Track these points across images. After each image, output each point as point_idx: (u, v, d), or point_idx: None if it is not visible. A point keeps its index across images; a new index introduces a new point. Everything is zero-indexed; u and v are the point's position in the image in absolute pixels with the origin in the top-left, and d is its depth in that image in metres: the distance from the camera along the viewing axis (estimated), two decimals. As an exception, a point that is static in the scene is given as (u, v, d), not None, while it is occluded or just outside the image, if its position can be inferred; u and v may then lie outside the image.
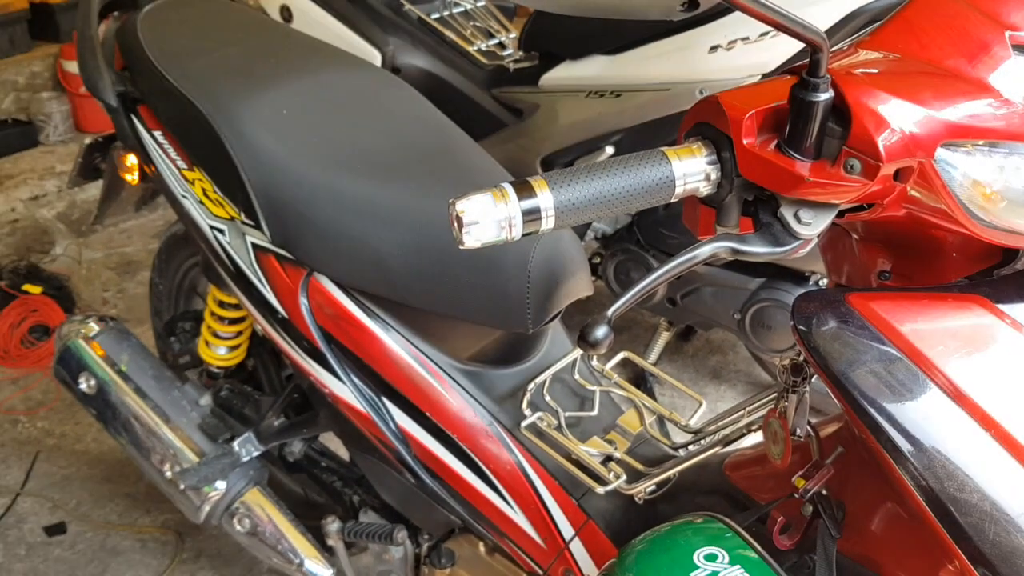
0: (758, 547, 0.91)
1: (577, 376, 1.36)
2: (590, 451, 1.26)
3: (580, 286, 1.29)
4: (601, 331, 0.73)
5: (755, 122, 0.71)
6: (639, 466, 1.24)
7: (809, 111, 0.68)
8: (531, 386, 1.30)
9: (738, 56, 1.99)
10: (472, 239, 0.69)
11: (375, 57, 2.48)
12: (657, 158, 0.71)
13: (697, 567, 0.89)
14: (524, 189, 0.69)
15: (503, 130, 2.55)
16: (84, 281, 2.99)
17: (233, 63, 1.47)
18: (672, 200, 0.73)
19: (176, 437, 1.60)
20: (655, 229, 2.32)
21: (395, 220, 1.26)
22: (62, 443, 2.30)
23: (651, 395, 2.49)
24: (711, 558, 0.90)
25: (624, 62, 2.20)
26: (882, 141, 0.67)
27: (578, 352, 1.37)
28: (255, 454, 1.56)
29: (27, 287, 2.71)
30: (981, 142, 0.71)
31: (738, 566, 0.89)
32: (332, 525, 1.48)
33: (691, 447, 1.26)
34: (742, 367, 2.70)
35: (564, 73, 2.37)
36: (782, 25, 0.66)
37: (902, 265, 0.87)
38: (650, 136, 2.15)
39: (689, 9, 0.60)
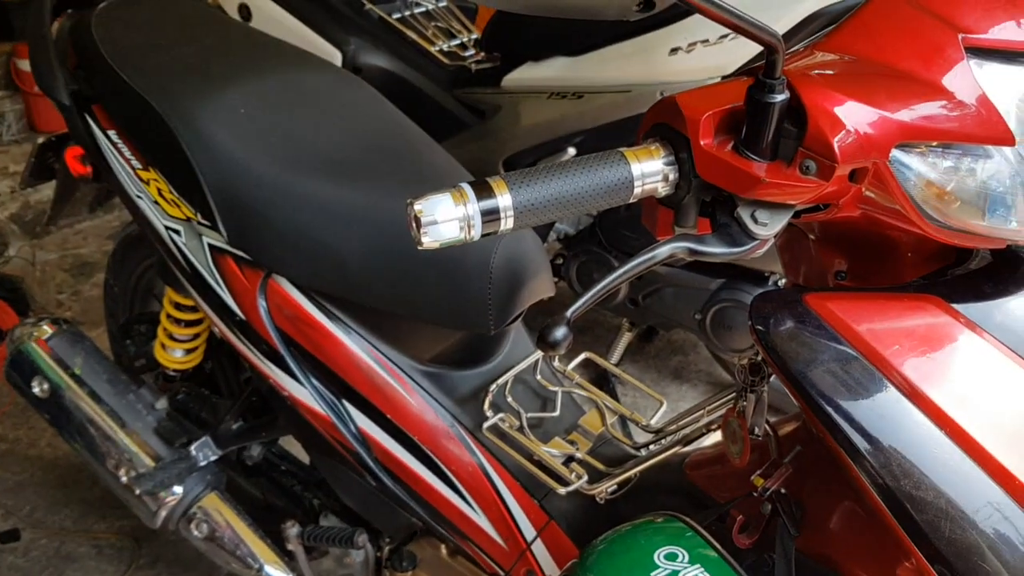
0: (718, 546, 0.92)
1: (539, 377, 1.36)
2: (552, 452, 1.25)
3: (542, 287, 1.29)
4: (560, 332, 0.73)
5: (712, 123, 0.71)
6: (600, 466, 1.24)
7: (765, 112, 0.69)
8: (493, 387, 1.30)
9: (698, 58, 2.00)
10: (430, 239, 0.68)
11: (336, 57, 2.46)
12: (616, 159, 0.71)
13: (658, 566, 0.90)
14: (483, 189, 0.69)
15: (465, 131, 2.55)
16: (38, 283, 2.94)
17: (190, 61, 1.45)
18: (631, 201, 0.73)
19: (131, 442, 1.57)
20: (617, 230, 2.33)
21: (355, 220, 1.24)
22: (15, 448, 2.25)
23: (614, 395, 2.50)
24: (671, 557, 0.91)
25: (585, 64, 2.21)
26: (837, 142, 0.68)
27: (540, 353, 1.37)
28: (212, 458, 1.54)
29: (-22, 289, 2.65)
30: (935, 143, 0.72)
31: (698, 565, 0.90)
32: (292, 529, 1.46)
33: (652, 447, 1.26)
34: (703, 367, 2.72)
35: (526, 74, 2.38)
36: (738, 26, 0.66)
37: (858, 265, 0.87)
38: (612, 137, 2.15)
39: (645, 10, 0.60)
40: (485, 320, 1.22)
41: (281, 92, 1.42)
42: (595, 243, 2.36)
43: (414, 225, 0.68)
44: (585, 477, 1.21)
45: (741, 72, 0.74)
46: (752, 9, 1.94)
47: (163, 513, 1.55)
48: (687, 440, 1.15)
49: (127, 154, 1.44)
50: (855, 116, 0.69)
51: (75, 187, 1.79)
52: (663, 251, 0.73)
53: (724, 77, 0.79)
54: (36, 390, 1.62)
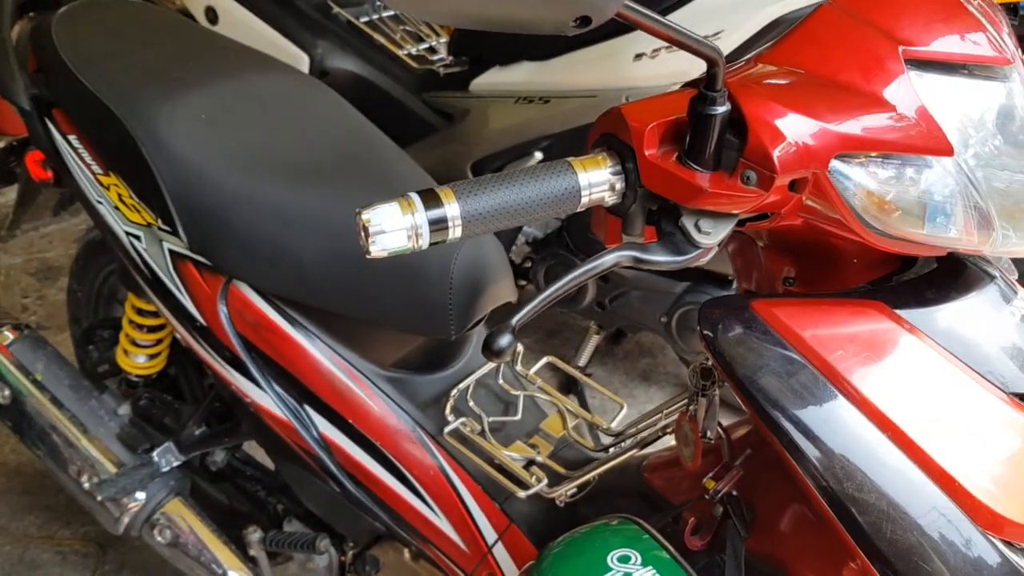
0: (670, 548, 0.93)
1: (501, 381, 1.37)
2: (513, 455, 1.26)
3: (503, 292, 1.30)
4: (505, 339, 0.74)
5: (657, 134, 0.72)
6: (561, 469, 1.25)
7: (707, 124, 0.70)
8: (454, 392, 1.30)
9: (661, 64, 2.02)
10: (378, 248, 0.69)
11: (303, 60, 2.45)
12: (563, 168, 0.73)
13: (610, 568, 0.91)
14: (431, 199, 0.69)
15: (434, 135, 2.55)
16: (3, 287, 2.91)
17: (151, 66, 1.44)
18: (579, 210, 0.74)
19: (94, 448, 1.56)
20: (584, 234, 2.34)
21: (315, 226, 1.25)
22: (-23, 455, 2.23)
23: (582, 398, 2.52)
24: (624, 560, 0.92)
25: (552, 69, 2.22)
26: (777, 153, 0.69)
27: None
28: (175, 464, 1.54)
29: (-59, 294, 2.62)
30: (874, 154, 0.74)
31: (650, 567, 0.91)
32: (254, 535, 1.46)
33: (612, 450, 1.28)
34: (671, 369, 2.74)
35: (493, 79, 2.38)
36: (678, 41, 0.68)
37: (805, 272, 0.89)
38: (579, 142, 2.15)
39: (581, 26, 0.62)
40: (446, 325, 1.23)
41: (243, 97, 1.42)
42: (563, 247, 2.37)
43: (362, 234, 0.69)
44: (545, 481, 1.22)
45: (688, 84, 0.75)
46: (728, 9, 1.95)
47: (126, 519, 1.54)
48: (643, 443, 1.17)
49: (87, 159, 1.43)
50: (795, 127, 0.70)
51: (37, 191, 1.78)
52: (608, 260, 0.74)
53: (686, 83, 0.80)
54: (-3, 396, 1.61)
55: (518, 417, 1.33)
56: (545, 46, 2.25)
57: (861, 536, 0.79)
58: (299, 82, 1.53)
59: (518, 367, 1.40)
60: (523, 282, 2.50)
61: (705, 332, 0.83)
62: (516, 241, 2.50)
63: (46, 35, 1.49)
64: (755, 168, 0.70)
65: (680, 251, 0.74)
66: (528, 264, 2.47)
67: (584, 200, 0.73)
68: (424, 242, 0.70)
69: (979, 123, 0.79)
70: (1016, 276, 2.46)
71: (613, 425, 1.31)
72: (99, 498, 1.51)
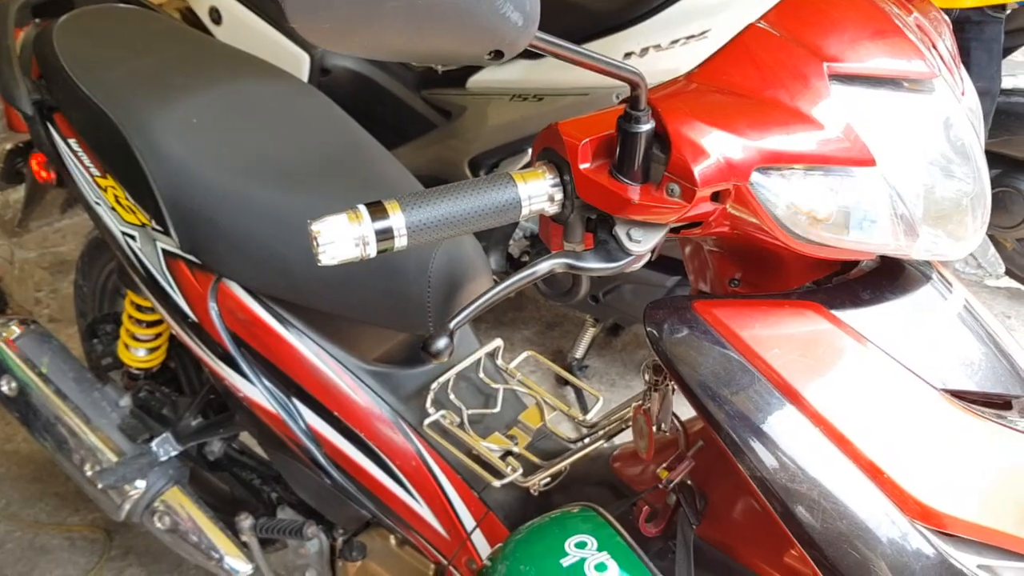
0: (625, 534, 0.98)
1: (482, 375, 1.42)
2: (491, 446, 1.32)
3: (481, 289, 1.35)
4: (442, 342, 0.79)
5: (590, 149, 0.77)
6: (536, 460, 1.30)
7: (633, 140, 0.75)
8: (435, 385, 1.36)
9: (650, 62, 2.06)
10: (328, 257, 0.74)
11: (304, 59, 2.50)
12: (505, 181, 0.78)
13: (567, 554, 0.96)
14: (378, 211, 0.75)
15: (432, 131, 2.60)
16: (17, 281, 2.99)
17: (146, 72, 1.50)
18: (520, 219, 0.79)
19: (96, 438, 1.63)
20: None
21: (302, 227, 1.29)
22: (-9, 444, 2.32)
23: (578, 391, 2.57)
24: (581, 545, 0.97)
25: (544, 67, 2.26)
26: (697, 167, 0.74)
27: (483, 352, 1.43)
28: (173, 454, 1.60)
29: (-44, 288, 2.70)
30: (796, 166, 0.78)
31: (605, 552, 0.96)
32: (245, 522, 1.52)
33: (586, 440, 1.33)
34: (667, 361, 2.78)
35: (489, 76, 2.43)
36: (600, 68, 0.73)
37: (750, 273, 0.94)
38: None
39: (496, 59, 0.66)
40: (424, 322, 1.28)
41: (235, 103, 1.47)
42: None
43: (314, 244, 0.74)
44: (520, 470, 1.27)
45: (622, 101, 0.80)
46: (714, 10, 1.98)
47: (127, 506, 1.61)
48: (608, 435, 1.22)
49: (86, 162, 1.49)
50: (716, 143, 0.75)
51: (45, 191, 1.84)
52: (543, 267, 0.80)
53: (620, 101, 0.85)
54: (4, 388, 1.68)
55: (497, 409, 1.39)
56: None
57: (794, 524, 0.84)
58: (292, 87, 1.58)
59: (499, 361, 1.45)
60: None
61: (650, 331, 0.88)
62: (514, 236, 2.55)
63: (48, 42, 1.55)
64: (678, 181, 0.75)
65: (613, 258, 0.79)
66: (525, 258, 2.52)
67: (525, 211, 0.78)
68: (371, 251, 0.75)
69: (904, 134, 0.83)
70: (1001, 272, 2.47)
71: (589, 417, 1.36)
72: (100, 486, 1.58)
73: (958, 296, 0.94)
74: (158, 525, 1.63)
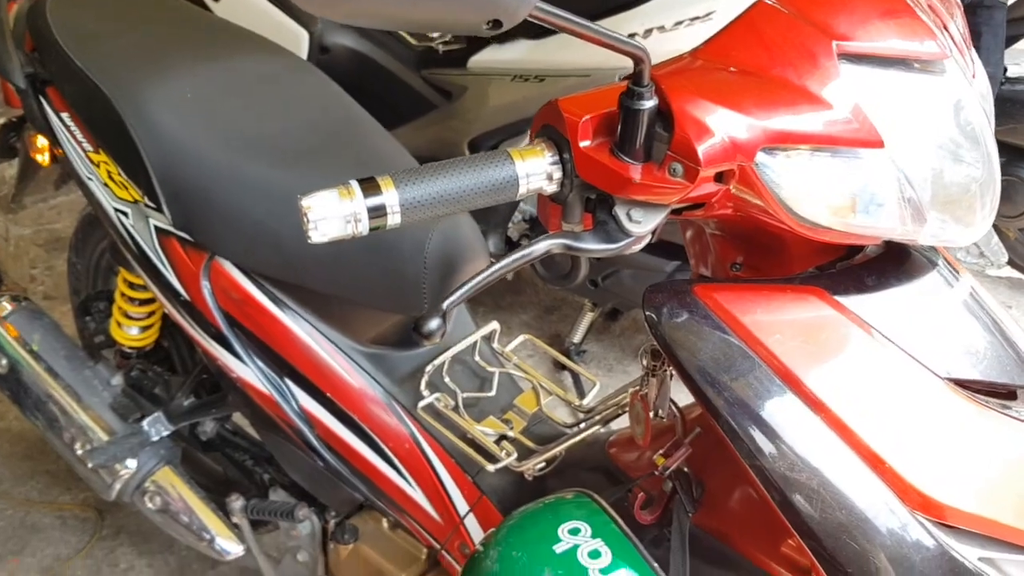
0: (620, 521, 0.96)
1: (478, 358, 1.40)
2: (485, 430, 1.30)
3: (479, 270, 1.33)
4: (435, 323, 0.77)
5: (591, 126, 0.75)
6: (531, 444, 1.28)
7: (635, 118, 0.73)
8: (429, 368, 1.34)
9: (654, 44, 2.03)
10: (318, 234, 0.72)
11: (303, 37, 2.47)
12: (502, 158, 0.75)
13: (560, 540, 0.94)
14: (370, 187, 0.72)
15: (432, 112, 2.57)
16: (12, 258, 2.97)
17: (142, 47, 1.48)
18: (518, 198, 0.77)
19: (87, 416, 1.61)
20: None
21: (295, 204, 1.28)
22: (-17, 422, 2.30)
23: (576, 376, 2.55)
24: (575, 532, 0.95)
25: (547, 48, 2.24)
26: (701, 147, 0.72)
27: (479, 335, 1.41)
28: (165, 434, 1.59)
29: (-50, 264, 2.68)
30: (803, 146, 0.76)
31: (599, 539, 0.94)
32: (236, 503, 1.51)
33: (582, 425, 1.31)
34: (666, 346, 2.76)
35: (490, 56, 2.40)
36: (602, 42, 0.70)
37: (752, 257, 0.92)
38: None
39: (494, 28, 0.64)
40: (419, 303, 1.26)
41: (231, 79, 1.45)
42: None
43: (304, 220, 0.72)
44: (515, 455, 1.25)
45: (626, 78, 0.78)
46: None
47: (117, 486, 1.59)
48: (604, 420, 1.20)
49: (79, 137, 1.47)
50: (721, 121, 0.73)
51: (38, 166, 1.82)
52: (540, 247, 0.77)
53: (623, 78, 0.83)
54: (-5, 365, 1.66)
55: (492, 393, 1.37)
56: (539, 25, 2.26)
57: (792, 513, 0.82)
58: (289, 63, 1.56)
59: (495, 344, 1.43)
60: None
61: (648, 315, 0.86)
62: (513, 219, 2.53)
63: (41, 14, 1.52)
64: (681, 161, 0.72)
65: (612, 239, 0.77)
66: (524, 241, 2.49)
67: (523, 189, 0.76)
68: (363, 228, 0.73)
69: (913, 116, 0.80)
70: (1003, 261, 2.45)
71: (585, 402, 1.34)
72: (90, 465, 1.56)
73: (964, 283, 0.92)
74: (149, 505, 1.61)
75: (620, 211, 0.76)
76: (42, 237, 3.09)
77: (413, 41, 2.60)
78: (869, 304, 0.86)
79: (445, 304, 0.78)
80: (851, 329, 0.85)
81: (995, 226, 2.60)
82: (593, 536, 0.95)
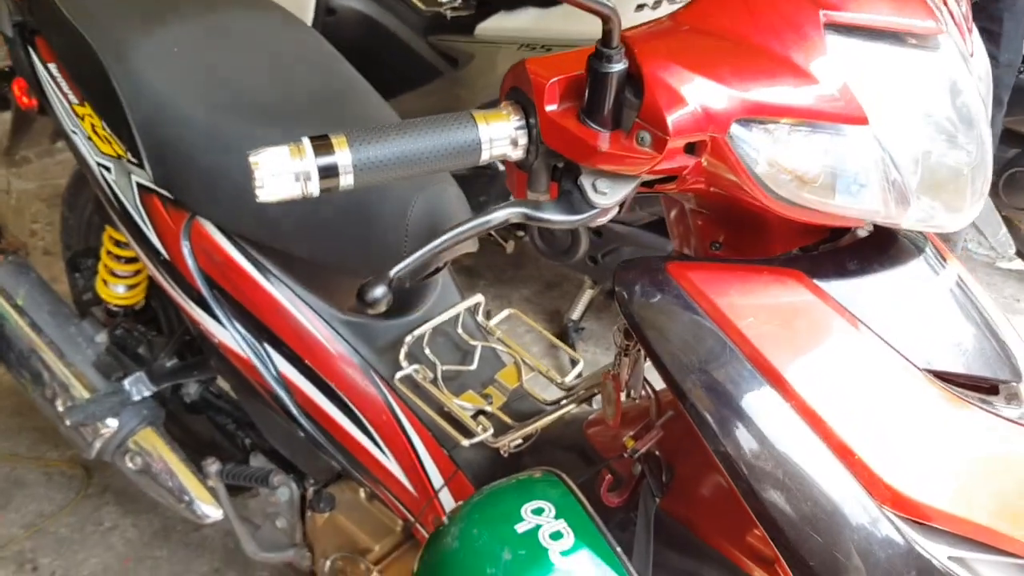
0: (586, 503, 0.94)
1: (460, 330, 1.38)
2: (464, 404, 1.28)
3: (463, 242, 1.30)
4: (379, 291, 0.74)
5: (558, 90, 0.72)
6: (509, 420, 1.26)
7: (603, 81, 0.69)
8: (408, 338, 1.31)
9: (663, 14, 1.98)
10: (266, 193, 0.70)
11: (309, -2, 2.44)
12: (465, 120, 0.72)
13: (523, 519, 0.92)
14: (323, 146, 0.69)
15: (439, 79, 2.54)
16: (14, 212, 2.96)
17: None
18: (481, 163, 0.74)
19: (69, 373, 1.60)
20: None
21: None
22: (-26, 376, 2.30)
23: (573, 348, 2.53)
24: (538, 511, 0.93)
25: (554, 16, 2.19)
26: (671, 115, 0.68)
27: (463, 306, 1.38)
28: (146, 394, 1.57)
29: (-50, 216, 2.68)
30: (782, 120, 0.72)
31: (562, 520, 0.92)
32: (212, 467, 1.50)
33: (562, 403, 1.28)
34: (666, 326, 2.73)
35: (498, 23, 2.36)
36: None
37: (732, 237, 0.88)
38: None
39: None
40: (400, 272, 1.23)
41: (219, 35, 1.42)
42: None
43: (253, 177, 0.69)
44: (491, 430, 1.23)
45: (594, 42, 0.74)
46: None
47: (98, 444, 1.59)
48: (580, 400, 1.17)
49: (65, 88, 1.44)
50: (694, 89, 0.69)
51: (30, 117, 1.80)
52: (499, 215, 0.74)
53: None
54: (-21, 319, 1.65)
55: (473, 367, 1.34)
56: None
57: (757, 503, 0.79)
58: (281, 22, 1.52)
59: (479, 318, 1.41)
60: (521, 234, 2.50)
61: (619, 292, 0.83)
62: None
63: (32, -38, 1.49)
64: (649, 129, 0.69)
65: (576, 210, 0.73)
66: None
67: (485, 155, 0.73)
68: (314, 189, 0.70)
69: (903, 93, 0.76)
70: (1012, 252, 2.38)
71: (568, 380, 1.32)
72: (68, 422, 1.55)
73: (951, 272, 0.88)
74: (130, 465, 1.60)
75: (586, 181, 0.73)
76: (46, 192, 3.07)
77: (421, 6, 2.56)
78: (849, 289, 0.83)
79: (393, 272, 0.75)
80: (828, 315, 0.82)
81: (1006, 218, 2.55)
82: (557, 517, 0.92)
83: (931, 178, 0.78)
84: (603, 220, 0.75)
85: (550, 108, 0.72)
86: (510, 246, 2.59)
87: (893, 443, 0.79)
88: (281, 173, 0.69)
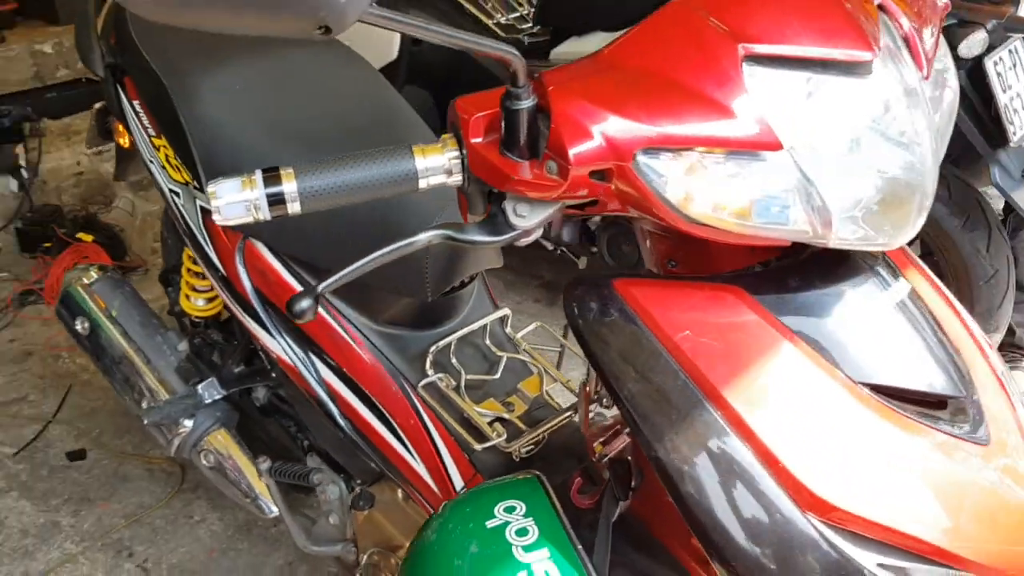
0: (556, 503, 1.00)
1: (488, 341, 1.46)
2: (483, 412, 1.36)
3: (486, 258, 1.39)
4: (305, 303, 0.84)
5: (482, 124, 0.79)
6: (523, 426, 1.33)
7: (515, 117, 0.76)
8: (433, 348, 1.41)
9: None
10: (220, 218, 0.80)
11: (394, 29, 2.57)
12: (403, 153, 0.81)
13: (494, 516, 0.99)
14: (272, 177, 0.79)
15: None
16: (138, 232, 3.23)
17: (203, 42, 1.60)
18: (420, 190, 0.82)
19: (153, 377, 1.78)
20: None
21: None
22: (94, 379, 2.53)
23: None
24: (510, 510, 1.00)
25: (619, 39, 2.25)
26: (572, 146, 0.74)
27: (489, 319, 1.47)
28: (217, 397, 1.72)
29: (81, 235, 2.96)
30: (696, 148, 0.77)
31: (531, 518, 0.99)
32: (263, 465, 1.63)
33: (567, 410, 1.35)
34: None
35: (570, 48, 2.44)
36: (475, 49, 0.74)
37: (684, 255, 0.93)
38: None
39: (326, 34, 0.68)
40: (422, 287, 1.33)
41: (280, 71, 1.56)
42: (625, 217, 2.41)
43: (212, 204, 0.80)
44: (504, 436, 1.31)
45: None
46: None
47: (176, 442, 1.75)
48: (574, 408, 1.23)
49: (145, 122, 1.62)
50: (597, 122, 0.75)
51: (131, 151, 2.00)
52: (422, 238, 0.82)
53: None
54: (79, 327, 1.85)
55: (497, 376, 1.42)
56: (617, 17, 2.27)
57: (684, 506, 0.83)
58: (338, 57, 1.65)
59: (507, 329, 1.49)
60: (594, 249, 2.55)
61: (567, 306, 0.89)
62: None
63: (122, 11, 1.68)
64: (555, 159, 0.75)
65: (498, 232, 0.81)
66: (594, 228, 2.52)
67: (423, 183, 0.81)
68: (264, 215, 0.80)
69: (824, 119, 0.80)
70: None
71: (581, 388, 1.38)
72: (146, 422, 1.72)
73: (903, 287, 0.91)
74: (203, 462, 1.76)
75: (508, 205, 0.80)
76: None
77: (501, 33, 2.66)
78: (788, 304, 0.86)
79: (320, 287, 0.84)
80: (763, 329, 0.85)
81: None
82: (526, 515, 0.99)
83: (858, 199, 0.81)
84: (527, 240, 0.82)
85: (475, 140, 0.79)
86: (583, 262, 2.65)
87: (819, 452, 0.82)
88: (233, 201, 0.79)
